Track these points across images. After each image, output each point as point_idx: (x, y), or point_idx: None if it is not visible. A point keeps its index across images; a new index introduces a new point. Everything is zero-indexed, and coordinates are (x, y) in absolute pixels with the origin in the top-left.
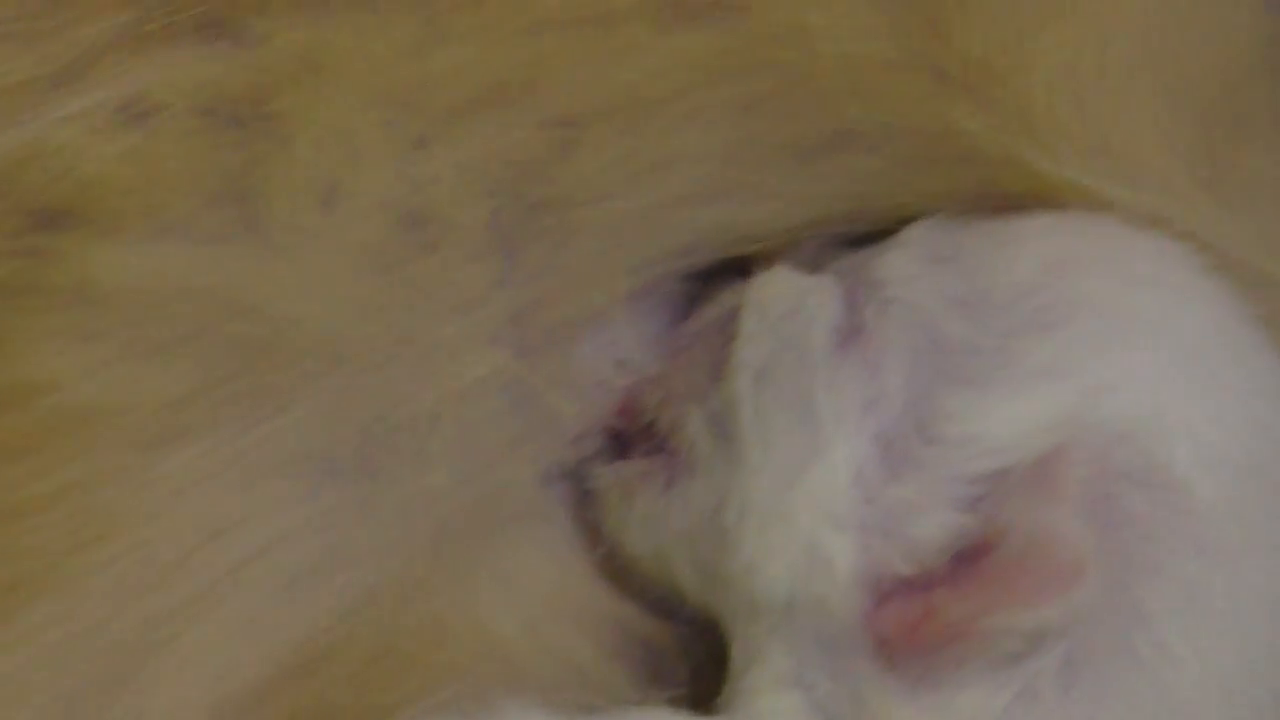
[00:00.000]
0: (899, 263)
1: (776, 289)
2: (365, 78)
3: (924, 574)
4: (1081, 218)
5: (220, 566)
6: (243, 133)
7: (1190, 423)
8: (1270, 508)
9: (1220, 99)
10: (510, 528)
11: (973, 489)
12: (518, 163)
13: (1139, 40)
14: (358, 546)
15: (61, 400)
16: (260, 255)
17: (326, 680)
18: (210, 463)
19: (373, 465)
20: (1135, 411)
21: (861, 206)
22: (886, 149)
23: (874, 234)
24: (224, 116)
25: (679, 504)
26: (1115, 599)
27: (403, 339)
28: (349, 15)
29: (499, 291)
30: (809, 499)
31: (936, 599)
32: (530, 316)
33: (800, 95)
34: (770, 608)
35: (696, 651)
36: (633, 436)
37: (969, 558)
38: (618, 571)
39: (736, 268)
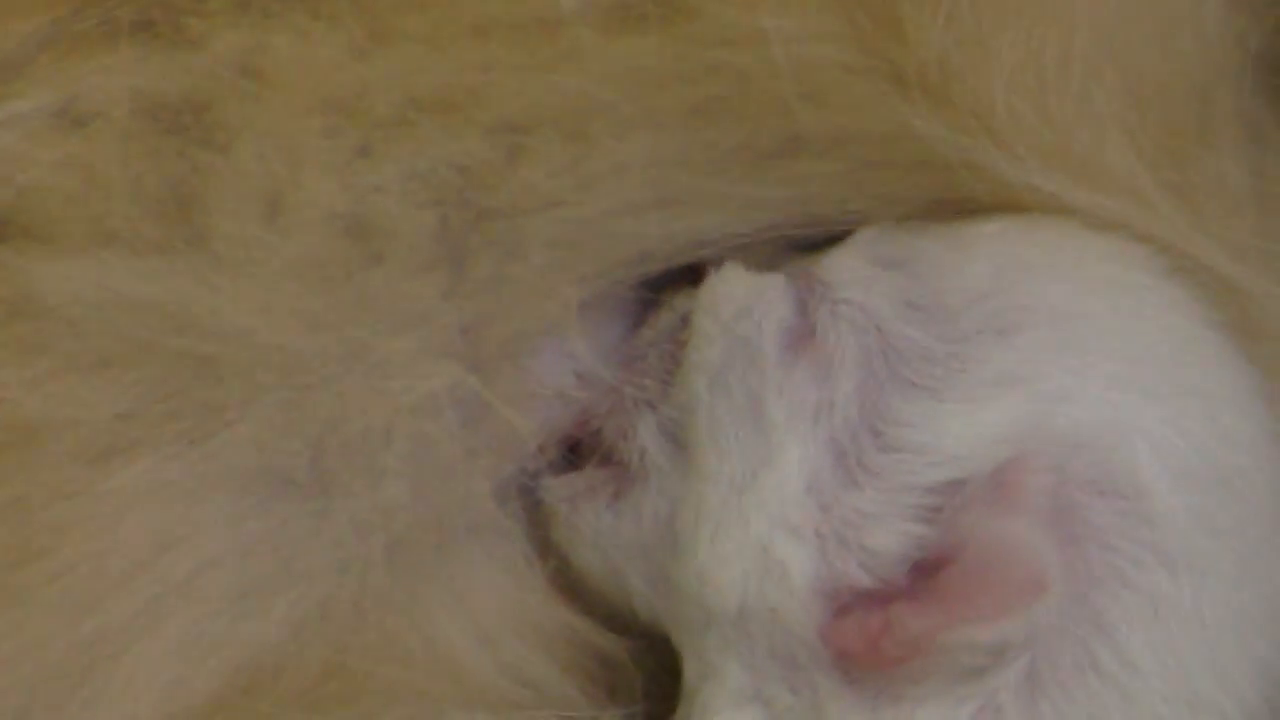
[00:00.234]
0: (851, 265)
1: (728, 287)
2: (306, 83)
3: (882, 586)
4: (1037, 221)
5: (169, 581)
6: (183, 140)
7: (1151, 430)
8: (1235, 516)
9: (1186, 100)
10: (465, 543)
11: (930, 499)
12: (464, 170)
13: (1103, 38)
14: (309, 561)
15: (5, 414)
16: (204, 267)
17: (278, 697)
18: (158, 477)
19: (324, 480)
20: (1095, 419)
21: (815, 211)
22: (840, 153)
23: (828, 239)
24: (164, 123)
25: (629, 515)
26: (1078, 611)
27: (352, 352)
28: (289, 18)
29: (448, 303)
30: (762, 505)
31: (895, 612)
32: (481, 329)
33: (752, 99)
34: (724, 618)
35: (653, 665)
36: (585, 446)
37: (928, 570)
38: (571, 586)
39: (689, 275)
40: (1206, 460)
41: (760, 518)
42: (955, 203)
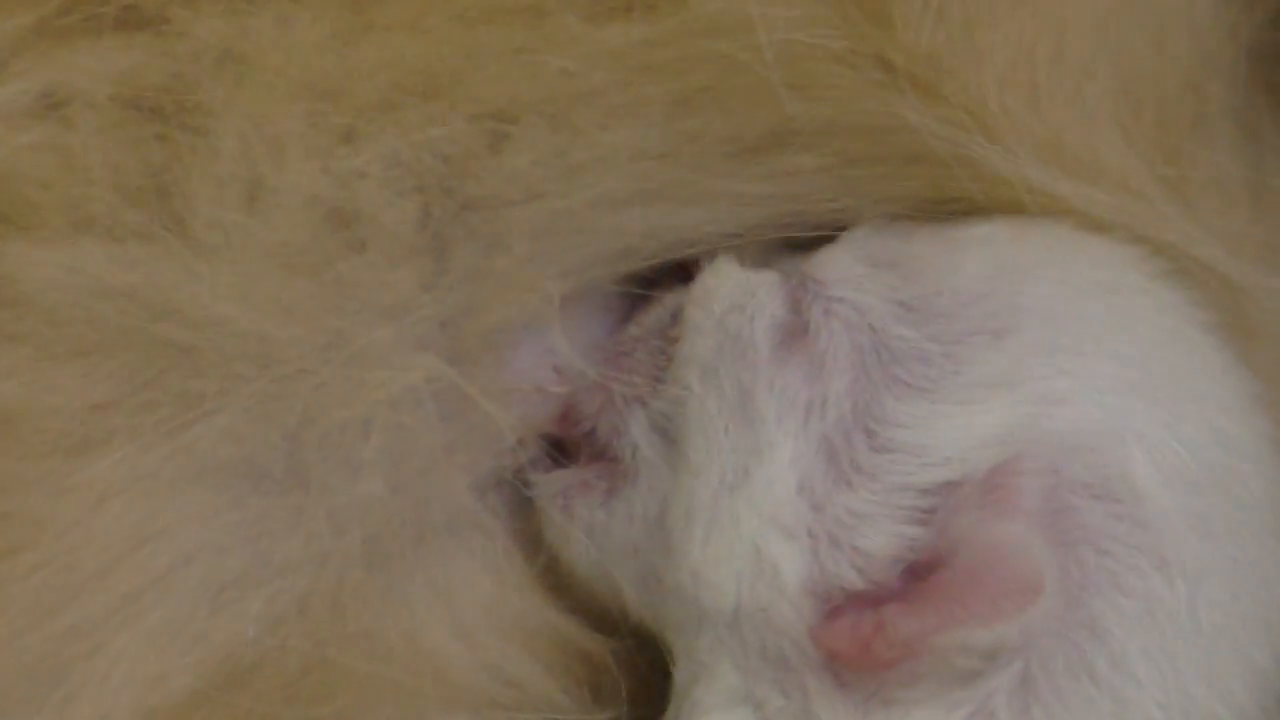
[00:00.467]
0: (844, 263)
1: (720, 281)
2: (289, 68)
3: (875, 588)
4: (1030, 222)
5: (146, 575)
6: (164, 126)
7: (1146, 433)
8: (1231, 519)
9: (1180, 94)
10: (445, 538)
11: (923, 500)
12: (447, 158)
13: (1097, 31)
14: (288, 555)
15: None
16: (183, 254)
17: (256, 693)
18: (135, 468)
19: (303, 472)
20: (1089, 422)
21: (804, 208)
22: (829, 146)
23: (818, 238)
24: (144, 109)
25: (621, 512)
26: (1072, 616)
27: (331, 343)
28: (271, 3)
29: (429, 294)
30: (754, 504)
31: (888, 614)
32: (462, 321)
33: (738, 90)
34: (717, 618)
35: (639, 666)
36: (572, 444)
37: (921, 572)
38: (556, 583)
39: (679, 273)
40: (1201, 463)
41: (752, 517)
42: (946, 200)
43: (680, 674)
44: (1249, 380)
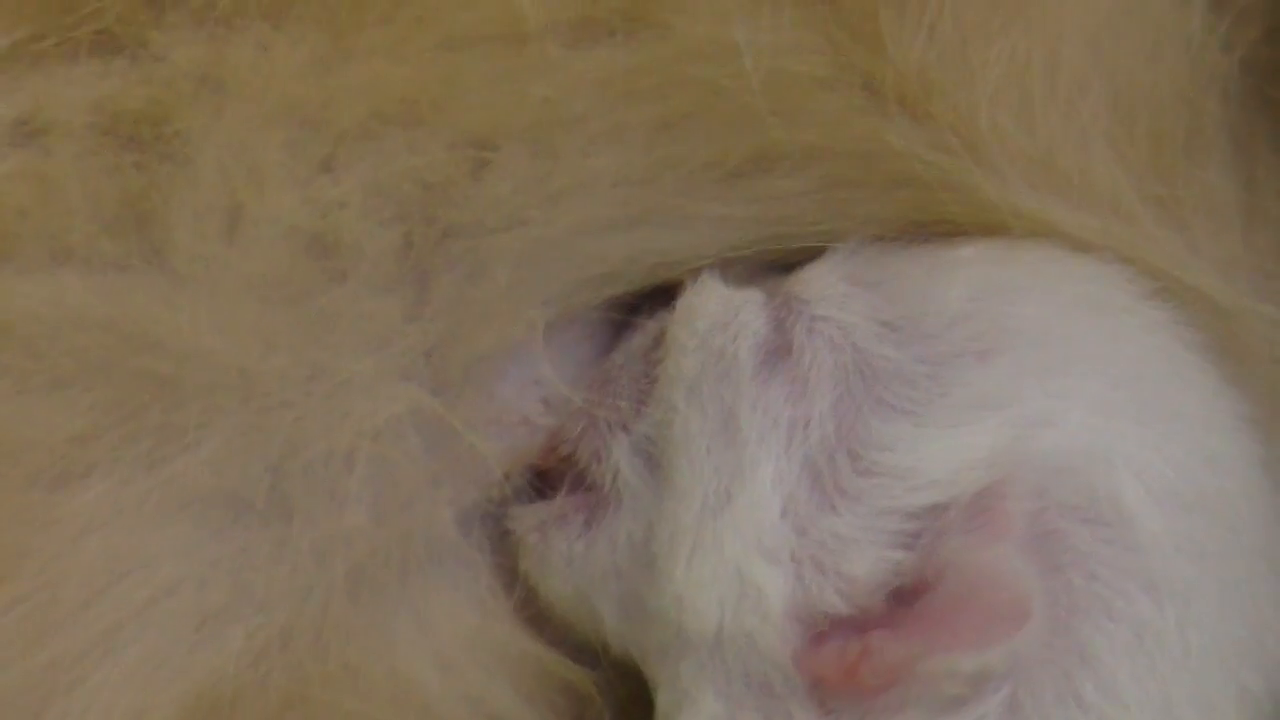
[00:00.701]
0: (827, 281)
1: (703, 300)
2: (268, 95)
3: (860, 613)
4: (1015, 244)
5: (127, 608)
6: (142, 154)
7: (1134, 454)
8: (1220, 541)
9: (1175, 110)
10: (428, 571)
11: (909, 524)
12: (428, 185)
13: (1091, 47)
14: (270, 588)
15: None
16: (162, 285)
17: None
18: (115, 501)
19: (285, 505)
20: (1076, 444)
21: (787, 232)
22: (813, 171)
23: (802, 261)
24: (122, 136)
25: (602, 541)
26: (1060, 640)
27: (313, 374)
28: (251, 30)
29: (411, 325)
30: (737, 527)
31: (874, 640)
32: (445, 351)
33: (722, 115)
34: (700, 644)
35: (621, 698)
36: (554, 475)
37: (907, 597)
38: (538, 615)
39: (662, 298)
40: (1190, 484)
41: (735, 540)
42: (931, 224)
43: (663, 702)
44: (1237, 400)
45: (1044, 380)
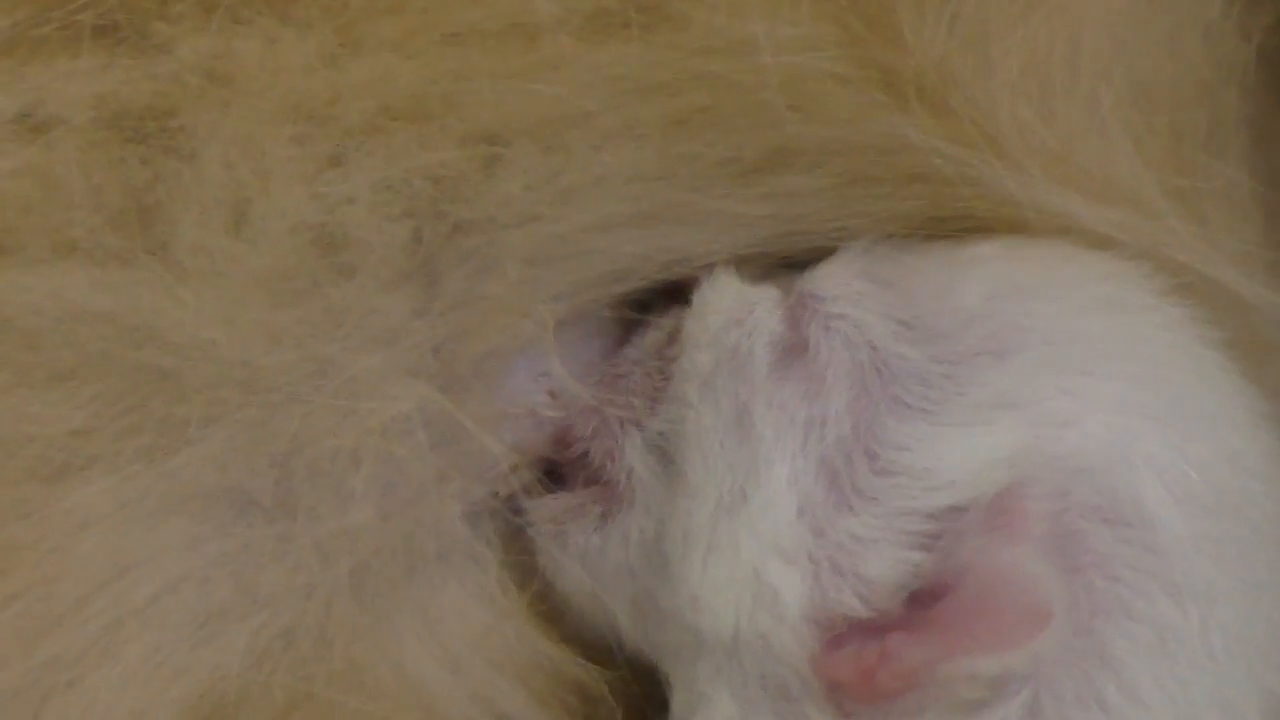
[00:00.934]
0: (842, 279)
1: (718, 295)
2: (275, 90)
3: (878, 615)
4: (1031, 242)
5: (127, 606)
6: (146, 148)
7: (1155, 454)
8: (1242, 540)
9: (1195, 102)
10: (435, 568)
11: (928, 525)
12: (438, 181)
13: (1112, 37)
14: (274, 586)
15: None
16: (166, 279)
17: None
18: (116, 496)
19: (290, 501)
20: (1096, 444)
21: (803, 228)
22: (830, 167)
23: (817, 258)
24: (127, 130)
25: (617, 537)
26: (1081, 643)
27: (319, 370)
28: (258, 22)
29: (420, 320)
30: (753, 528)
31: (892, 643)
32: (454, 347)
33: (738, 110)
34: (715, 645)
35: (634, 698)
36: (566, 469)
37: (926, 599)
38: (549, 613)
39: (675, 295)
40: (1212, 484)
41: (751, 541)
42: (950, 219)
43: (677, 704)
44: (1258, 398)
45: (1062, 379)
